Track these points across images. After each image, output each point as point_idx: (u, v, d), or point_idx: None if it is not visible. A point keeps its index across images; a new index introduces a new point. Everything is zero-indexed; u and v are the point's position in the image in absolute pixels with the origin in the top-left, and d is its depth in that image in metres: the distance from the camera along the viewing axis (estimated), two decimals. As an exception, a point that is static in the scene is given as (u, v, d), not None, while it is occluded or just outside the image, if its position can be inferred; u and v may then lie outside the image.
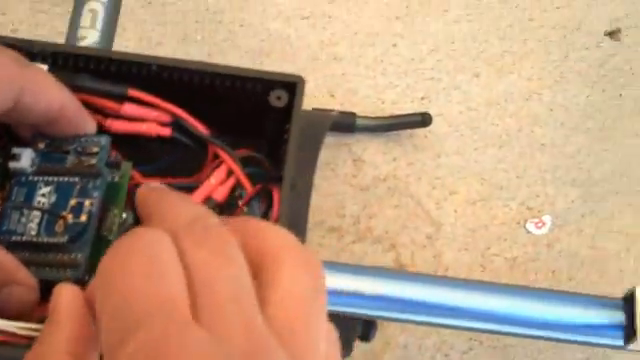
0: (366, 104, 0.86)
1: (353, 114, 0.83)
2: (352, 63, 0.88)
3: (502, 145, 0.87)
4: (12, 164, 0.46)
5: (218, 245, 0.30)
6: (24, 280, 0.44)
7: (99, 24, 0.60)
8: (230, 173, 0.49)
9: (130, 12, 0.89)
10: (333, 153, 0.84)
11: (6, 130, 0.49)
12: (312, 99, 0.86)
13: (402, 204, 0.83)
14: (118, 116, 0.49)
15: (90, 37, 0.60)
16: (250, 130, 0.51)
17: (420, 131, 0.85)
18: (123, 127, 0.49)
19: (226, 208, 0.50)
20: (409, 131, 0.85)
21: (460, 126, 0.87)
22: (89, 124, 0.48)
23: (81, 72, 0.48)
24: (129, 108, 0.49)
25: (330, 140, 0.84)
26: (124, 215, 0.48)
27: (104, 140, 0.47)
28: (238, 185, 0.49)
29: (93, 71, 0.48)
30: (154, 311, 0.27)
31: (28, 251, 0.45)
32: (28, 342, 0.40)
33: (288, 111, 0.48)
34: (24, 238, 0.45)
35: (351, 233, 0.81)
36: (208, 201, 0.49)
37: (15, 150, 0.46)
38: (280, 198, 0.46)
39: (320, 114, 0.80)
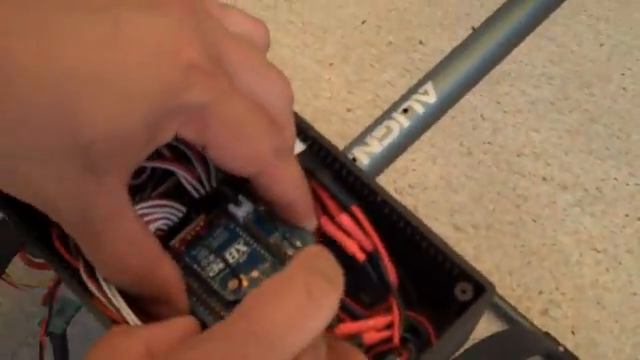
0: (601, 360, 0.83)
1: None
2: (612, 318, 0.85)
3: None
4: (231, 207, 0.51)
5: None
6: (181, 305, 0.48)
7: (386, 142, 0.65)
8: (390, 326, 0.51)
9: (448, 153, 0.94)
10: (542, 383, 0.81)
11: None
12: (554, 323, 0.84)
13: None
14: (333, 220, 0.53)
15: (372, 147, 0.65)
16: (434, 298, 0.52)
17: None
18: (330, 230, 0.53)
19: (368, 351, 0.52)
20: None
21: None
22: (309, 223, 0.51)
23: (326, 168, 0.52)
24: (345, 220, 0.53)
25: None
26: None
27: (309, 242, 0.50)
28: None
29: (335, 172, 0.52)
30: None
31: (198, 284, 0.49)
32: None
33: (468, 307, 0.48)
34: (202, 273, 0.50)
35: None
36: (354, 338, 0.50)
37: (240, 198, 0.52)
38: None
39: (540, 339, 0.78)
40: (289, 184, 0.47)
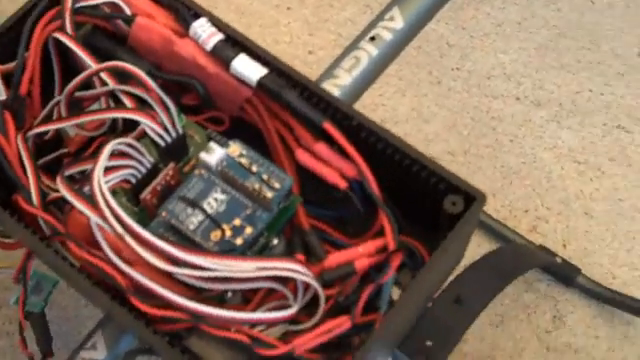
0: (594, 271, 0.81)
1: (578, 269, 0.79)
2: (601, 226, 0.83)
3: None
4: (202, 155, 0.48)
5: None
6: None
7: (355, 72, 0.62)
8: (381, 250, 0.48)
9: (417, 84, 0.91)
10: (537, 299, 0.80)
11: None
12: (544, 239, 0.82)
13: (583, 383, 0.77)
14: (308, 150, 0.50)
15: (341, 79, 0.62)
16: (422, 220, 0.50)
17: (639, 322, 0.78)
18: (308, 162, 0.50)
19: (367, 282, 0.49)
20: (626, 317, 0.79)
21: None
22: None
23: (292, 88, 0.49)
24: (321, 148, 0.50)
25: (540, 286, 0.80)
26: (275, 241, 0.49)
27: (288, 182, 0.48)
28: (384, 263, 0.48)
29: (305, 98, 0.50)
30: None
31: (178, 238, 0.46)
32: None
33: (459, 218, 0.46)
34: (181, 227, 0.47)
35: (515, 384, 0.77)
36: (347, 265, 0.48)
37: (211, 144, 0.49)
38: (400, 301, 0.44)
39: (536, 252, 0.77)
40: None
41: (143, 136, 0.50)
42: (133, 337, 0.53)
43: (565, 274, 0.79)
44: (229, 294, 0.47)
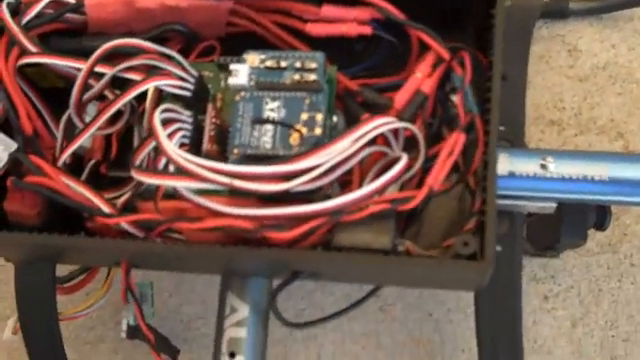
0: (577, -9, 0.81)
1: (566, -1, 0.78)
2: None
3: None
4: (231, 80, 0.47)
5: None
6: None
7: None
8: (436, 64, 0.47)
9: None
10: (546, 45, 0.80)
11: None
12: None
13: (626, 91, 0.77)
14: (317, 20, 0.49)
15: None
16: (452, 24, 0.49)
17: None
18: (323, 30, 0.49)
19: (437, 102, 0.49)
20: (628, 15, 0.79)
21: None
22: None
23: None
24: (327, 10, 0.49)
25: (541, 32, 0.80)
26: (335, 118, 0.48)
27: (320, 57, 0.47)
28: (448, 76, 0.48)
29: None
30: None
31: (263, 163, 0.45)
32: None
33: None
34: (258, 152, 0.45)
35: (573, 126, 0.77)
36: (417, 94, 0.47)
37: (232, 67, 0.47)
38: (491, 86, 0.44)
39: (527, 2, 0.76)
40: None
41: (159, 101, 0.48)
42: (262, 278, 0.52)
43: (557, 9, 0.79)
44: (329, 190, 0.46)
